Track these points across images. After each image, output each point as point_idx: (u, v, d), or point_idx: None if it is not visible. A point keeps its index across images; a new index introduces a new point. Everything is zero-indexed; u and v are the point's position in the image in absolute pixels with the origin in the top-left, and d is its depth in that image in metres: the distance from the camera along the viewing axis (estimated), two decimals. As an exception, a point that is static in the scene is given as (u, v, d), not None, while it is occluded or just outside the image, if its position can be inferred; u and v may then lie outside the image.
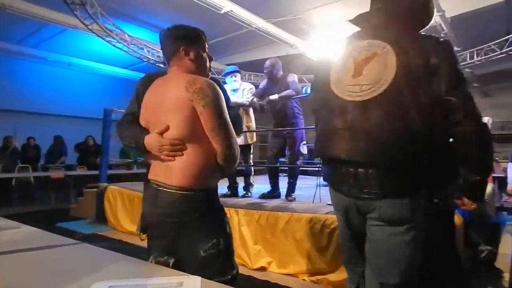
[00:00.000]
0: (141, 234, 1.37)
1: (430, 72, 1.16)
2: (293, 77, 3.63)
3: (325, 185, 2.04)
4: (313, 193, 4.17)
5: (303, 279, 2.73)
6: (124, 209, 4.30)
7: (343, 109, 1.26)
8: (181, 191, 1.24)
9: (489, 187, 4.81)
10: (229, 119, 1.30)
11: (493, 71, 8.19)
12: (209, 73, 1.48)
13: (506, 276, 2.95)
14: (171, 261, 1.25)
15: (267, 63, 3.65)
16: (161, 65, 7.68)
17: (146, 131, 1.35)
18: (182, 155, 1.25)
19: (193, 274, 0.89)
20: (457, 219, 2.50)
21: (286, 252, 2.87)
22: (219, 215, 1.36)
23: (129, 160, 7.00)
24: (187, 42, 1.38)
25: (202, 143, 1.26)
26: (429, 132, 1.17)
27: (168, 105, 1.26)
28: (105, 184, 4.78)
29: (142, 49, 7.39)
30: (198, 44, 1.41)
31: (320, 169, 3.23)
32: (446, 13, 5.50)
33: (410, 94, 1.16)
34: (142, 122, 1.39)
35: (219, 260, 1.28)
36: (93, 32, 6.38)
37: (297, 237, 2.81)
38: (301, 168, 4.04)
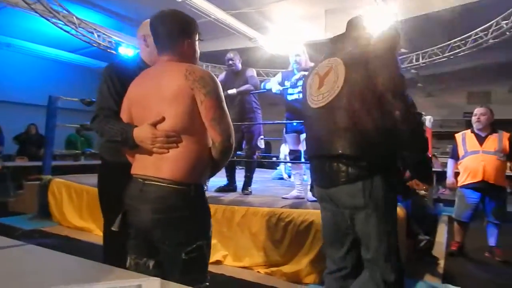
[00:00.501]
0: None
1: (370, 75, 1.36)
2: (252, 72, 3.63)
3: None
4: (269, 186, 4.25)
5: (258, 272, 2.78)
6: (71, 204, 4.05)
7: (312, 115, 1.55)
8: (173, 184, 1.16)
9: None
10: (226, 109, 1.26)
11: (436, 73, 8.83)
12: (197, 61, 1.44)
13: (442, 262, 3.24)
14: (151, 263, 1.18)
15: (228, 55, 3.62)
16: (113, 51, 7.29)
17: (132, 124, 1.27)
18: (177, 147, 1.18)
19: (171, 278, 0.85)
20: (400, 210, 2.68)
21: (241, 245, 2.89)
22: (207, 215, 1.29)
23: (77, 151, 6.58)
24: (189, 33, 1.32)
25: (197, 135, 1.22)
26: (376, 125, 1.37)
27: (164, 95, 1.19)
28: (49, 176, 4.45)
29: (92, 33, 6.94)
30: (192, 34, 1.35)
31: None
32: (398, 16, 5.81)
33: (356, 96, 1.38)
34: (125, 116, 1.30)
35: (198, 266, 1.21)
36: (36, 12, 5.86)
37: (253, 230, 2.84)
38: (258, 160, 4.09)
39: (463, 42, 6.44)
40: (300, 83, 3.20)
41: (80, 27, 6.62)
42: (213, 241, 2.99)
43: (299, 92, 3.25)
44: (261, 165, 5.78)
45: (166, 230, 1.17)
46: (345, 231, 1.51)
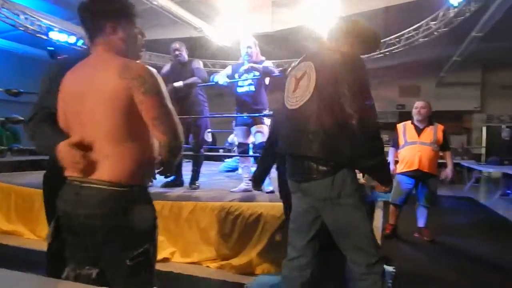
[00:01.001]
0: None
1: (336, 81, 1.45)
2: (198, 64, 3.54)
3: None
4: (217, 179, 4.22)
5: (207, 266, 2.77)
6: (-4, 205, 3.66)
7: (286, 116, 1.67)
8: (113, 187, 1.07)
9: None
10: (171, 107, 1.17)
11: (372, 67, 9.39)
12: (142, 53, 1.34)
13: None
14: (94, 272, 1.09)
15: (174, 45, 3.49)
16: (43, 36, 6.65)
17: (61, 133, 1.15)
18: (113, 151, 1.09)
19: (116, 287, 0.79)
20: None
21: (190, 241, 2.85)
22: (152, 216, 1.20)
23: (2, 147, 5.92)
24: (114, 17, 1.18)
25: (139, 135, 1.14)
26: (343, 128, 1.46)
27: (99, 96, 1.08)
28: (-31, 175, 3.97)
29: (18, 15, 6.24)
30: (128, 19, 1.22)
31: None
32: (341, 12, 6.04)
33: (325, 101, 1.49)
34: (61, 116, 1.18)
35: (145, 270, 1.13)
36: None
37: (201, 225, 2.82)
38: (206, 154, 4.03)
39: (397, 39, 6.92)
40: (249, 75, 3.20)
41: (3, 7, 5.91)
42: (160, 238, 2.90)
43: (249, 85, 3.25)
44: (209, 158, 5.71)
45: (108, 236, 1.08)
46: (313, 221, 1.63)
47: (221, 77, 3.32)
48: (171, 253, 2.86)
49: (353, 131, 1.43)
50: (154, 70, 1.16)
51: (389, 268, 2.84)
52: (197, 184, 3.49)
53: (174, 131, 1.14)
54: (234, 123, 3.49)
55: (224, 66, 9.39)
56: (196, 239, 2.84)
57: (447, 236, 3.81)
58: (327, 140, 1.48)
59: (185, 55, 3.53)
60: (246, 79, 3.25)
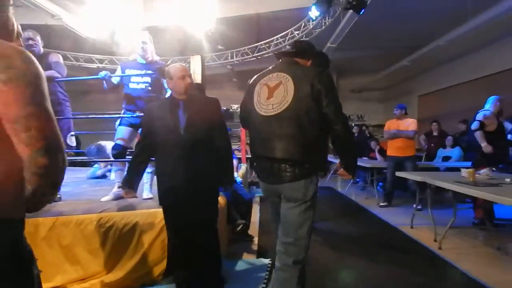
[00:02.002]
0: None
1: (314, 95, 1.66)
2: (57, 58, 3.08)
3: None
4: (83, 188, 3.76)
5: (73, 289, 2.44)
6: None
7: (262, 122, 1.77)
8: None
9: (244, 168, 5.85)
10: (50, 110, 0.85)
11: (249, 69, 9.88)
12: (19, 40, 1.02)
13: (256, 240, 3.71)
14: None
15: (27, 34, 2.91)
16: None
17: None
18: None
19: None
20: (221, 199, 2.89)
21: (50, 263, 2.45)
22: (26, 266, 0.87)
23: None
24: None
25: None
26: (316, 134, 1.69)
27: None
28: None
29: None
30: None
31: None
32: (217, 14, 6.14)
33: (303, 110, 1.67)
34: None
35: None
36: None
37: (64, 243, 2.46)
38: (69, 158, 3.52)
39: (268, 45, 7.44)
40: (145, 79, 2.96)
41: None
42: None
43: (145, 82, 2.99)
44: (73, 164, 5.04)
45: None
46: None
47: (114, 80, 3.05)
48: (26, 280, 2.41)
49: (337, 136, 1.69)
50: (32, 57, 0.86)
51: (265, 261, 3.04)
52: (58, 195, 3.03)
53: (45, 145, 0.81)
54: (117, 122, 3.09)
55: (89, 60, 8.48)
56: (58, 260, 2.46)
57: (319, 221, 4.32)
58: (304, 145, 1.67)
59: (40, 46, 3.02)
60: (143, 76, 2.99)
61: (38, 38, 3.02)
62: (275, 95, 1.74)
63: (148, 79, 3.00)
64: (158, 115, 2.09)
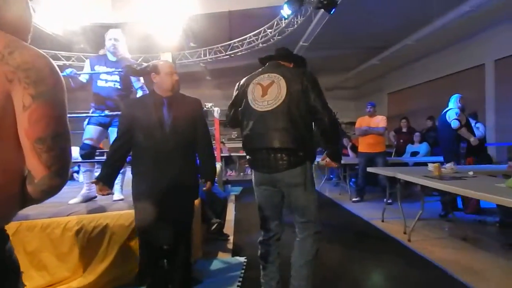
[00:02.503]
0: None
1: (303, 90, 1.90)
2: None
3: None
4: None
5: (40, 295, 2.33)
6: None
7: (258, 117, 1.95)
8: None
9: (218, 166, 5.82)
10: (68, 129, 0.81)
11: (222, 67, 9.81)
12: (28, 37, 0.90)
13: (231, 238, 3.70)
14: None
15: None
16: None
17: None
18: None
19: None
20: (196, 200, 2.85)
21: (14, 269, 2.34)
22: (13, 283, 0.84)
23: None
24: None
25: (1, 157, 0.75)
26: (306, 126, 1.92)
27: None
28: None
29: None
30: None
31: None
32: (189, 11, 6.04)
33: (294, 105, 1.89)
34: None
35: None
36: None
37: (29, 249, 2.35)
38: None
39: (241, 43, 7.42)
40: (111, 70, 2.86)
41: None
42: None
43: (114, 81, 2.88)
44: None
45: None
46: (278, 206, 2.08)
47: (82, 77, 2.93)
48: (-13, 289, 2.28)
49: (324, 129, 1.91)
50: (57, 67, 0.80)
51: (241, 259, 3.03)
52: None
53: (63, 166, 0.80)
54: (86, 121, 2.96)
55: (55, 57, 8.13)
56: (23, 266, 2.29)
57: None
58: (298, 135, 1.88)
59: None
60: (112, 74, 2.88)
61: None
62: (269, 92, 1.96)
63: (117, 77, 2.90)
64: (141, 111, 2.01)
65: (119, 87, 2.92)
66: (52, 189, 0.80)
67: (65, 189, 2.90)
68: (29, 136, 0.74)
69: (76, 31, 6.48)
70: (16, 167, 0.78)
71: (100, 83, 2.89)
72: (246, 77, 2.13)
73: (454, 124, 4.26)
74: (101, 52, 3.12)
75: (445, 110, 4.49)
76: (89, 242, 2.41)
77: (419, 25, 6.63)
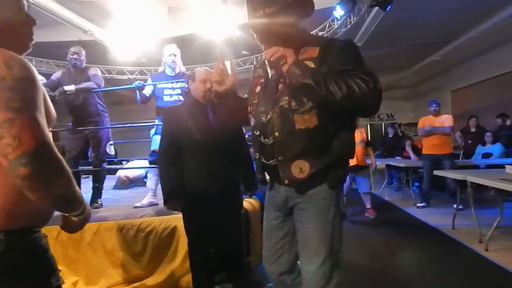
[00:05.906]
0: None
1: None
2: (96, 71, 3.22)
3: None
4: (121, 195, 3.88)
5: (118, 291, 2.51)
6: None
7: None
8: None
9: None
10: (35, 117, 0.78)
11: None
12: (30, 45, 0.96)
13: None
14: None
15: (74, 49, 3.13)
16: None
17: None
18: None
19: None
20: (255, 202, 2.89)
21: (95, 266, 2.55)
22: (44, 279, 0.87)
23: None
24: None
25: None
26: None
27: None
28: None
29: None
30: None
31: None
32: (239, 20, 6.21)
33: None
34: None
35: None
36: None
37: (108, 247, 2.55)
38: (108, 167, 3.65)
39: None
40: (176, 85, 3.04)
41: None
42: (59, 268, 2.56)
43: (177, 94, 3.06)
44: (112, 172, 5.23)
45: None
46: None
47: (147, 90, 3.13)
48: (74, 283, 2.52)
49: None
50: (23, 62, 0.80)
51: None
52: (99, 202, 3.15)
53: (27, 152, 0.74)
54: (153, 131, 3.19)
55: (121, 72, 8.80)
56: (102, 264, 2.55)
57: (361, 225, 4.24)
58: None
59: (83, 60, 3.20)
60: (174, 89, 3.07)
61: (83, 53, 3.21)
62: None
63: (179, 90, 3.07)
64: (188, 116, 2.06)
65: (183, 99, 3.08)
66: (22, 180, 0.75)
67: (133, 193, 3.09)
68: None
69: (137, 46, 6.96)
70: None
71: (166, 98, 3.06)
72: None
73: None
74: (160, 69, 3.31)
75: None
76: (160, 243, 2.55)
77: (485, 16, 6.12)
